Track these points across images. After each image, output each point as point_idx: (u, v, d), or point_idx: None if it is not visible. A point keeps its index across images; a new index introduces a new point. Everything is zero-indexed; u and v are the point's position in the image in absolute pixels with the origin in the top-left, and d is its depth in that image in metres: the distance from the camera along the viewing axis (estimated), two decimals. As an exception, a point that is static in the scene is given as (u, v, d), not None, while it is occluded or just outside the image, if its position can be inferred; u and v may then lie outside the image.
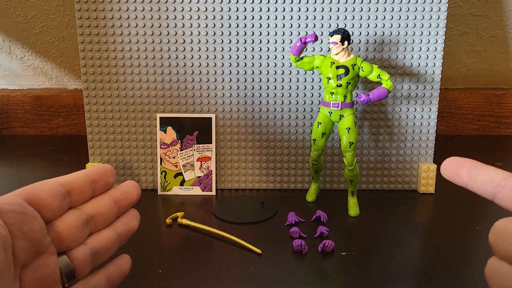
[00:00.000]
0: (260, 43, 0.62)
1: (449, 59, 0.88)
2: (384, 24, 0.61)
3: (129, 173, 0.65)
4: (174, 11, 0.61)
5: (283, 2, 0.60)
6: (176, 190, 0.64)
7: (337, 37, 0.53)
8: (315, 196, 0.62)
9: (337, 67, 0.54)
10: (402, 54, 0.62)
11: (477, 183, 0.24)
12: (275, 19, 0.61)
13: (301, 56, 0.56)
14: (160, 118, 0.63)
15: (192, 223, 0.54)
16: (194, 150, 0.64)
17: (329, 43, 0.55)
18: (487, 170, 0.24)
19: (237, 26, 0.61)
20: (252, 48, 0.62)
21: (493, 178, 0.24)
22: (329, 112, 0.56)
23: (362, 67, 0.54)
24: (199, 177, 0.64)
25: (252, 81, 0.63)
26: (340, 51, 0.54)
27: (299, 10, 0.60)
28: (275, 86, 0.63)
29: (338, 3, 0.60)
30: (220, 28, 0.61)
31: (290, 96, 0.63)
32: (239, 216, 0.57)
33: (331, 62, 0.55)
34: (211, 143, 0.64)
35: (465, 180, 0.25)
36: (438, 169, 0.64)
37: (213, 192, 0.64)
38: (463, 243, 0.51)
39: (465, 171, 0.25)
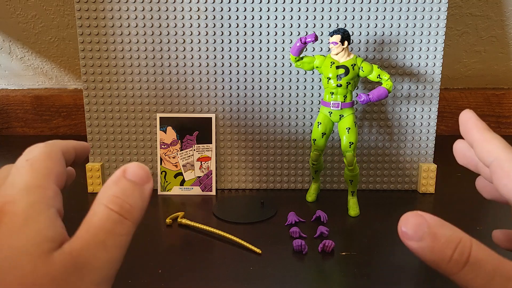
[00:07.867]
0: (260, 43, 0.62)
1: (449, 59, 0.88)
2: (384, 24, 0.61)
3: (129, 173, 0.65)
4: (174, 11, 0.61)
5: (283, 2, 0.60)
6: (176, 190, 0.64)
7: (337, 37, 0.53)
8: (315, 196, 0.62)
9: (337, 67, 0.54)
10: (402, 54, 0.62)
11: (476, 152, 0.25)
12: (275, 19, 0.61)
13: (301, 56, 0.56)
14: (160, 118, 0.63)
15: (192, 223, 0.54)
16: (194, 150, 0.64)
17: (329, 43, 0.55)
18: (487, 145, 0.24)
19: (237, 26, 0.61)
20: (252, 48, 0.62)
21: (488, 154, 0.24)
22: (329, 112, 0.56)
23: (362, 67, 0.54)
24: (199, 177, 0.64)
25: (252, 81, 0.63)
26: (340, 51, 0.54)
27: (299, 10, 0.60)
28: (275, 86, 0.63)
29: (338, 3, 0.60)
30: (220, 28, 0.61)
31: (290, 96, 0.63)
32: (239, 216, 0.57)
33: (331, 62, 0.55)
34: (211, 143, 0.64)
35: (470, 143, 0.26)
36: (438, 169, 0.64)
37: (213, 192, 0.64)
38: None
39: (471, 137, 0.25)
